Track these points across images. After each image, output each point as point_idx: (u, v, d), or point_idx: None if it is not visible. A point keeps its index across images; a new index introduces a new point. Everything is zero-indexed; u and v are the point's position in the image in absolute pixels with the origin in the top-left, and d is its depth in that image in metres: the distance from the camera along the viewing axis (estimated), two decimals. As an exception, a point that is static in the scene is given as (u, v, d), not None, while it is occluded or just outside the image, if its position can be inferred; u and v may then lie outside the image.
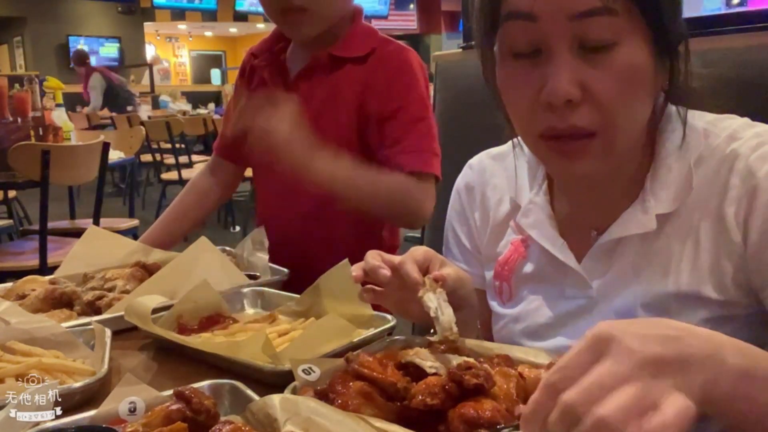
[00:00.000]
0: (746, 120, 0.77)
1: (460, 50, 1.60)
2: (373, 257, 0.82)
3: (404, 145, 1.29)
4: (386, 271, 0.79)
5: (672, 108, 0.78)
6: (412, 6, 11.36)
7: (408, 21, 11.45)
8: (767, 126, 0.75)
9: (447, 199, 1.04)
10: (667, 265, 0.76)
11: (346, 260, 0.94)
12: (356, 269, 0.82)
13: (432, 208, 1.29)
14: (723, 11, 1.41)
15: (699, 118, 0.77)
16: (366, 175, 1.26)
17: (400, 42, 1.41)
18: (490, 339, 0.91)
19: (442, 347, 0.73)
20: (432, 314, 0.73)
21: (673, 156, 0.76)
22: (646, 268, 0.77)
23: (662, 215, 0.76)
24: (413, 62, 1.36)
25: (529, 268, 0.88)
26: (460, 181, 1.01)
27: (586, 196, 0.83)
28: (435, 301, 0.74)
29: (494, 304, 0.93)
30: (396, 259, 0.80)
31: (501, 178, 0.94)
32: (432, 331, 0.75)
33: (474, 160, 1.01)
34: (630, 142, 0.74)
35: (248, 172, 1.63)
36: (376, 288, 0.83)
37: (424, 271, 0.80)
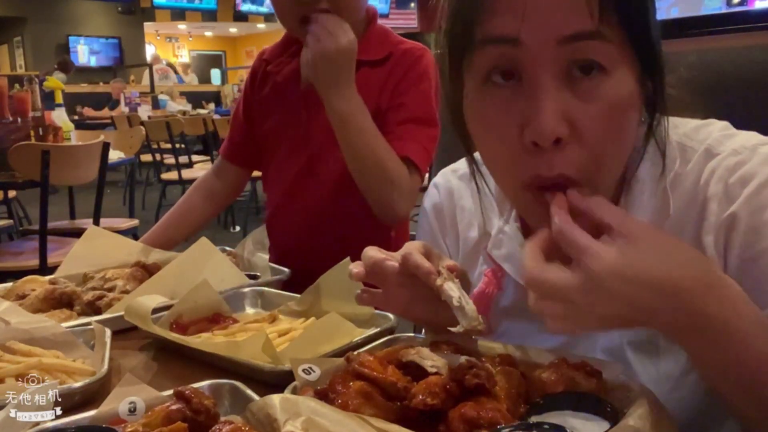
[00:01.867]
0: (725, 127, 0.72)
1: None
2: (374, 251, 0.77)
3: (397, 134, 1.29)
4: (394, 263, 0.74)
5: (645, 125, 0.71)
6: (412, 5, 11.34)
7: (409, 19, 11.43)
8: (746, 135, 0.70)
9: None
10: None
11: (347, 259, 0.93)
12: (356, 266, 0.76)
13: (407, 202, 1.29)
14: (723, 11, 1.41)
15: (672, 129, 0.71)
16: (374, 130, 1.25)
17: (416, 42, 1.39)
18: None
19: (472, 337, 0.70)
20: (455, 303, 0.69)
21: (646, 177, 0.71)
22: None
23: None
24: (428, 63, 1.34)
25: (505, 301, 0.83)
26: (427, 202, 0.94)
27: None
28: (457, 291, 0.70)
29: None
30: (396, 254, 0.76)
31: (469, 201, 0.88)
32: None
33: (439, 180, 0.94)
34: (613, 184, 0.69)
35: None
36: (372, 290, 0.80)
37: None
